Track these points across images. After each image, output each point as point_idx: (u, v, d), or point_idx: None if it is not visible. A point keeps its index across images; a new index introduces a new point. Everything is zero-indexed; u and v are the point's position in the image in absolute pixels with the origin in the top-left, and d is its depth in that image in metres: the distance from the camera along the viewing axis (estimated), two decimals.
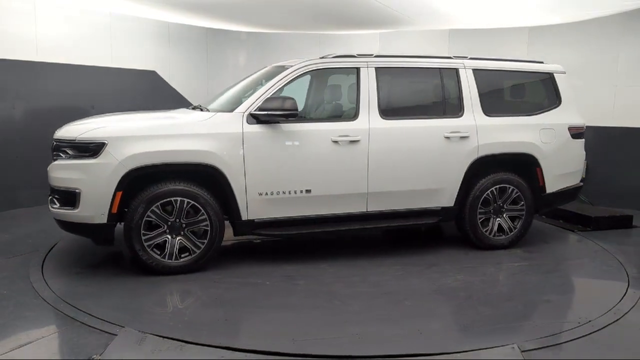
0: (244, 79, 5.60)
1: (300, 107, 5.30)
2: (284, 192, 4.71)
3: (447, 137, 5.09)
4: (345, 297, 4.13)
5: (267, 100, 4.62)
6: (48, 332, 3.42)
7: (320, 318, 3.75)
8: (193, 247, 4.54)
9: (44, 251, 5.11)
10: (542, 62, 5.74)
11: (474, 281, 4.50)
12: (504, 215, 5.39)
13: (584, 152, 5.81)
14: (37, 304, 3.87)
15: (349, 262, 4.96)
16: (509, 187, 5.34)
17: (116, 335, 3.36)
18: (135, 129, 4.50)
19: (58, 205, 4.49)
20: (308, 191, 4.78)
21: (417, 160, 5.04)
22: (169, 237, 4.49)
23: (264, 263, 4.90)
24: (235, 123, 4.59)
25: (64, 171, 4.42)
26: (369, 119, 4.89)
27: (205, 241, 4.55)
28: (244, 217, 4.66)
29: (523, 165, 5.43)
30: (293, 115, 4.60)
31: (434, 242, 5.73)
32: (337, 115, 5.36)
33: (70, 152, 4.43)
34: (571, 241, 5.95)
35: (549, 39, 8.05)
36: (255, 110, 4.61)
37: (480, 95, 5.30)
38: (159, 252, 4.47)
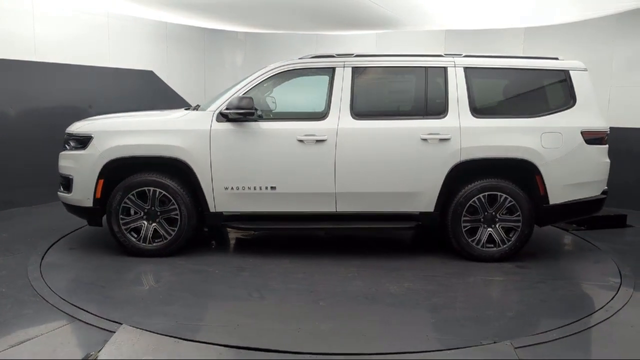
0: (244, 79, 5.64)
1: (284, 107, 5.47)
2: (249, 188, 4.90)
3: (424, 139, 4.83)
4: (270, 291, 4.25)
5: (232, 99, 4.85)
6: (46, 330, 3.45)
7: (223, 307, 4.01)
8: (165, 234, 4.96)
9: (43, 250, 5.14)
10: (557, 59, 5.14)
11: (420, 290, 4.28)
12: (497, 226, 4.97)
13: (607, 160, 5.08)
14: (35, 302, 3.91)
15: (313, 260, 4.99)
16: (501, 195, 4.90)
17: (114, 332, 3.39)
18: (115, 125, 5.09)
19: (61, 189, 5.14)
20: (273, 188, 4.91)
21: (389, 162, 4.86)
22: (145, 222, 4.95)
23: (234, 254, 5.23)
24: (204, 121, 4.92)
25: (65, 160, 5.10)
26: (338, 119, 4.87)
27: (176, 229, 4.93)
28: (212, 209, 4.96)
29: (520, 172, 4.96)
30: (250, 114, 4.80)
31: (424, 249, 5.49)
32: (308, 115, 5.43)
33: (71, 143, 5.06)
34: (565, 241, 6.00)
35: (544, 40, 8.11)
36: (224, 109, 4.86)
37: (471, 95, 4.94)
38: (135, 236, 4.95)
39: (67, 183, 5.03)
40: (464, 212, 4.92)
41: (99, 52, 7.95)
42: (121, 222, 4.91)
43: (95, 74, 7.84)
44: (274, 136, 4.89)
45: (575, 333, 3.55)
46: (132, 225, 4.94)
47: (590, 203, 5.09)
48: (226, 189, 4.90)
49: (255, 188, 4.90)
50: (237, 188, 4.90)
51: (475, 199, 4.90)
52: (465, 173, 4.92)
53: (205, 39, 9.98)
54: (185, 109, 5.54)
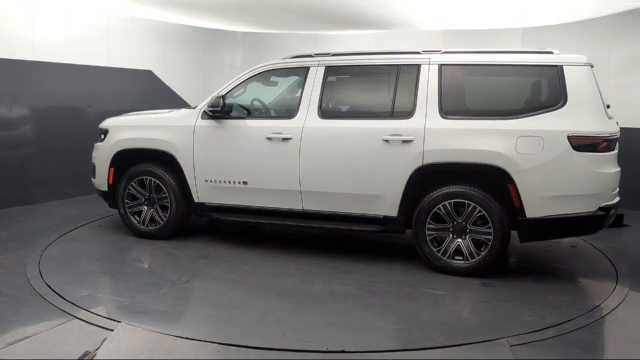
0: None
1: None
2: (224, 181, 5.18)
3: (386, 140, 4.60)
4: (203, 278, 4.53)
5: (211, 98, 5.13)
6: (45, 328, 3.47)
7: (142, 285, 4.31)
8: (159, 219, 5.47)
9: (41, 248, 5.16)
10: (551, 52, 4.59)
11: (340, 293, 4.17)
12: (467, 237, 4.55)
13: (607, 171, 4.35)
14: (34, 300, 3.92)
15: (279, 255, 5.11)
16: (469, 204, 4.46)
17: (112, 330, 3.42)
18: (123, 121, 5.77)
19: (93, 175, 5.85)
20: (245, 183, 5.11)
21: (351, 162, 4.72)
22: (145, 207, 5.52)
23: (216, 242, 5.53)
24: (191, 118, 5.29)
25: (94, 150, 5.82)
26: (305, 118, 4.88)
27: (166, 215, 5.41)
28: (196, 199, 5.35)
29: (492, 180, 4.48)
30: (217, 112, 5.07)
31: (410, 256, 5.05)
32: (280, 114, 5.54)
33: (101, 136, 5.76)
34: (562, 240, 5.98)
35: (542, 40, 8.12)
36: (206, 108, 5.17)
37: (443, 94, 4.57)
38: (138, 219, 5.54)
39: (93, 169, 5.81)
40: (428, 220, 4.58)
41: (98, 52, 7.96)
42: (126, 206, 5.54)
43: (94, 73, 7.85)
44: (247, 133, 5.09)
45: (571, 331, 3.57)
46: (135, 209, 5.55)
47: (580, 220, 4.37)
48: (206, 181, 5.24)
49: (229, 182, 5.16)
50: (215, 181, 5.21)
51: (440, 206, 4.53)
52: (431, 177, 4.61)
53: (204, 39, 10.00)
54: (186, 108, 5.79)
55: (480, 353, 3.27)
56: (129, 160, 5.55)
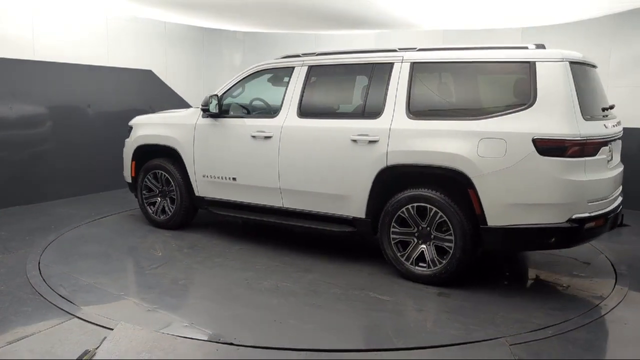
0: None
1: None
2: (217, 177, 5.45)
3: (354, 140, 4.55)
4: (171, 266, 4.75)
5: (205, 97, 5.38)
6: (45, 327, 3.48)
7: (110, 266, 4.73)
8: (168, 210, 5.91)
9: (41, 248, 5.17)
10: (526, 47, 4.23)
11: (280, 290, 4.20)
12: (431, 244, 4.33)
13: (579, 177, 3.86)
14: (34, 299, 3.93)
15: (261, 251, 5.23)
16: (430, 209, 4.25)
17: (112, 329, 3.42)
18: (144, 119, 6.24)
19: (123, 168, 6.30)
20: (234, 179, 5.33)
21: (321, 161, 4.74)
22: (159, 199, 5.99)
23: (213, 234, 5.83)
24: (194, 116, 5.62)
25: (124, 146, 6.25)
26: (285, 117, 4.97)
27: (173, 206, 5.84)
28: (196, 193, 5.67)
29: (455, 184, 4.20)
30: (206, 110, 5.36)
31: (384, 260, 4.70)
32: (266, 113, 5.61)
33: (129, 133, 6.21)
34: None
35: (542, 40, 8.10)
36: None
37: (412, 93, 4.39)
38: (153, 209, 6.04)
39: (122, 163, 6.26)
40: (392, 223, 4.45)
41: (98, 52, 7.97)
42: (143, 196, 6.07)
43: (94, 73, 7.86)
44: (236, 131, 5.29)
45: (570, 330, 3.57)
46: (151, 200, 6.04)
47: (548, 232, 3.93)
48: (204, 176, 5.54)
49: (221, 178, 5.41)
50: (210, 177, 5.50)
51: (404, 209, 4.37)
52: (396, 179, 4.47)
53: (204, 39, 10.01)
54: None
55: (479, 352, 3.27)
56: (147, 155, 6.02)
